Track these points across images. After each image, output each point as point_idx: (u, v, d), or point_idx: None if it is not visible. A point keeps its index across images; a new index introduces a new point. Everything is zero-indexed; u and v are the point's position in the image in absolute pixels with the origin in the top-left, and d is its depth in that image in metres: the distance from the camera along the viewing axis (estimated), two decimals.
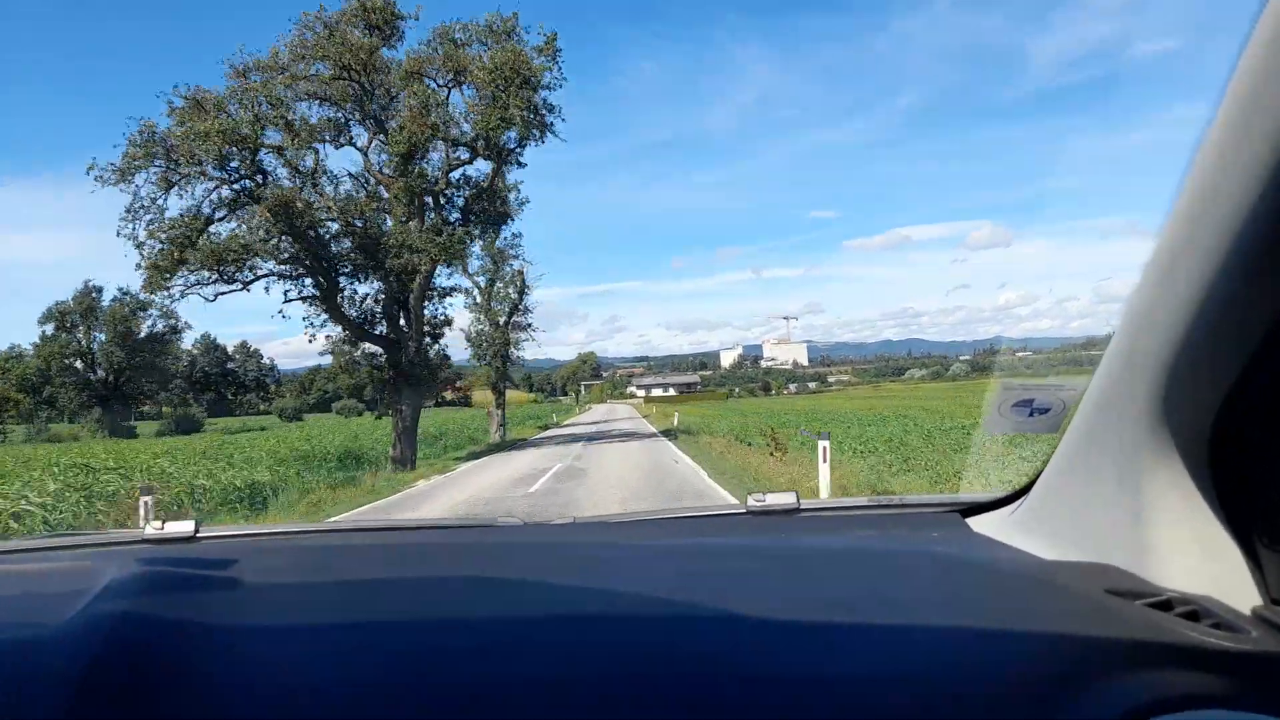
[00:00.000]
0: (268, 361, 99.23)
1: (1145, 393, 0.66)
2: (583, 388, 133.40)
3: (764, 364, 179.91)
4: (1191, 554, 0.69)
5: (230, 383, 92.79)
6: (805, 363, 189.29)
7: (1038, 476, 0.99)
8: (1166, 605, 0.67)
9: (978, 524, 1.15)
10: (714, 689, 0.58)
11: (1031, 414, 1.02)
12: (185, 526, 1.25)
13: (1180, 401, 0.64)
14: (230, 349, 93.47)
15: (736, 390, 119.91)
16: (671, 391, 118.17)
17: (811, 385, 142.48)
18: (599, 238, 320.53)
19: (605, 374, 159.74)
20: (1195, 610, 0.65)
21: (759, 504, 1.28)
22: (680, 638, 0.66)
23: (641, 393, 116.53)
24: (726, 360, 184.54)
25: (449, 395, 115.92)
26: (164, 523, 1.27)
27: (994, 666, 0.60)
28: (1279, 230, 0.48)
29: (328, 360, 21.42)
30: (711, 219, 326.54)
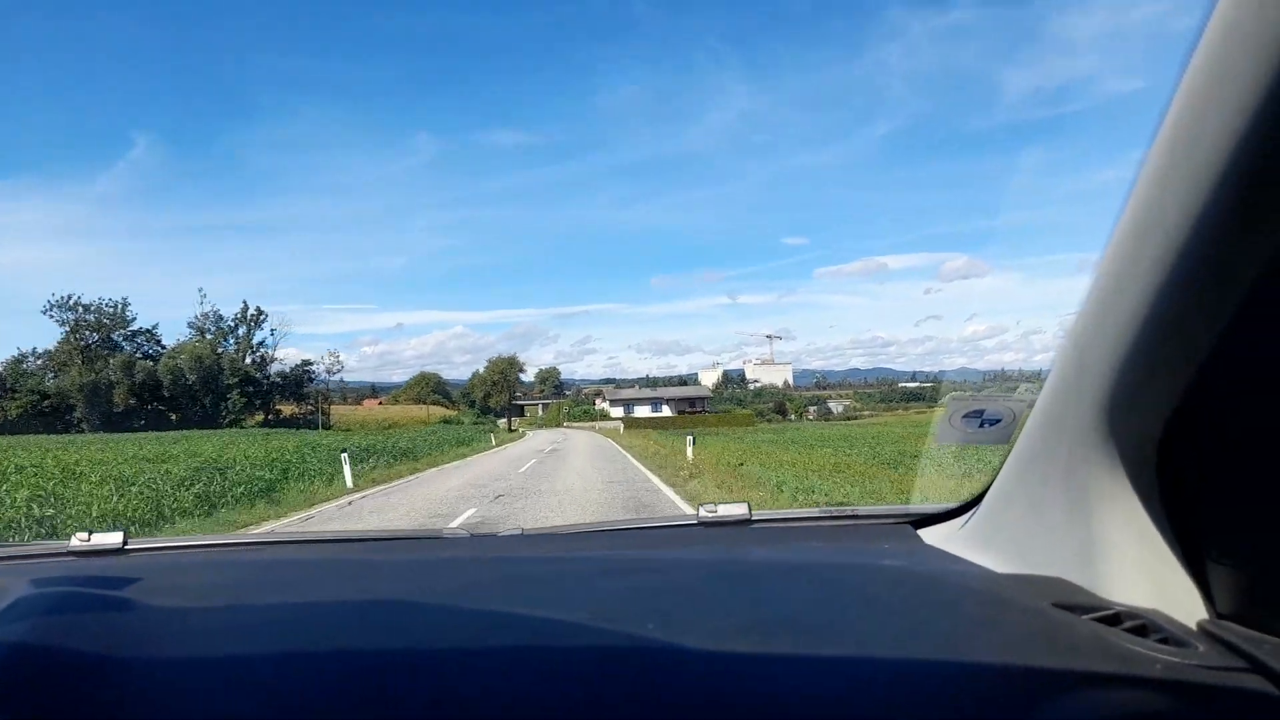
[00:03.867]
0: None
1: (1092, 406, 0.67)
2: (541, 407, 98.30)
3: (751, 385, 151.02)
4: (1139, 567, 0.69)
5: None
6: (792, 384, 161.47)
7: (988, 488, 0.98)
8: (1114, 619, 0.67)
9: (929, 535, 1.14)
10: (653, 715, 0.57)
11: (982, 425, 1.03)
12: (113, 538, 1.22)
13: (1126, 415, 0.65)
14: None
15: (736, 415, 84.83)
16: (665, 410, 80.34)
17: (837, 409, 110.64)
18: (576, 258, 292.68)
19: (569, 392, 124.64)
20: (1143, 624, 0.65)
21: (710, 514, 1.26)
22: (621, 663, 0.65)
23: (618, 412, 78.30)
24: (707, 380, 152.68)
25: (287, 409, 72.49)
26: (90, 534, 1.23)
27: (939, 684, 0.60)
28: (1219, 248, 0.49)
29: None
30: (688, 242, 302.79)
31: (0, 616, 0.71)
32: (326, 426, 63.13)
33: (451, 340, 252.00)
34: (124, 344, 66.73)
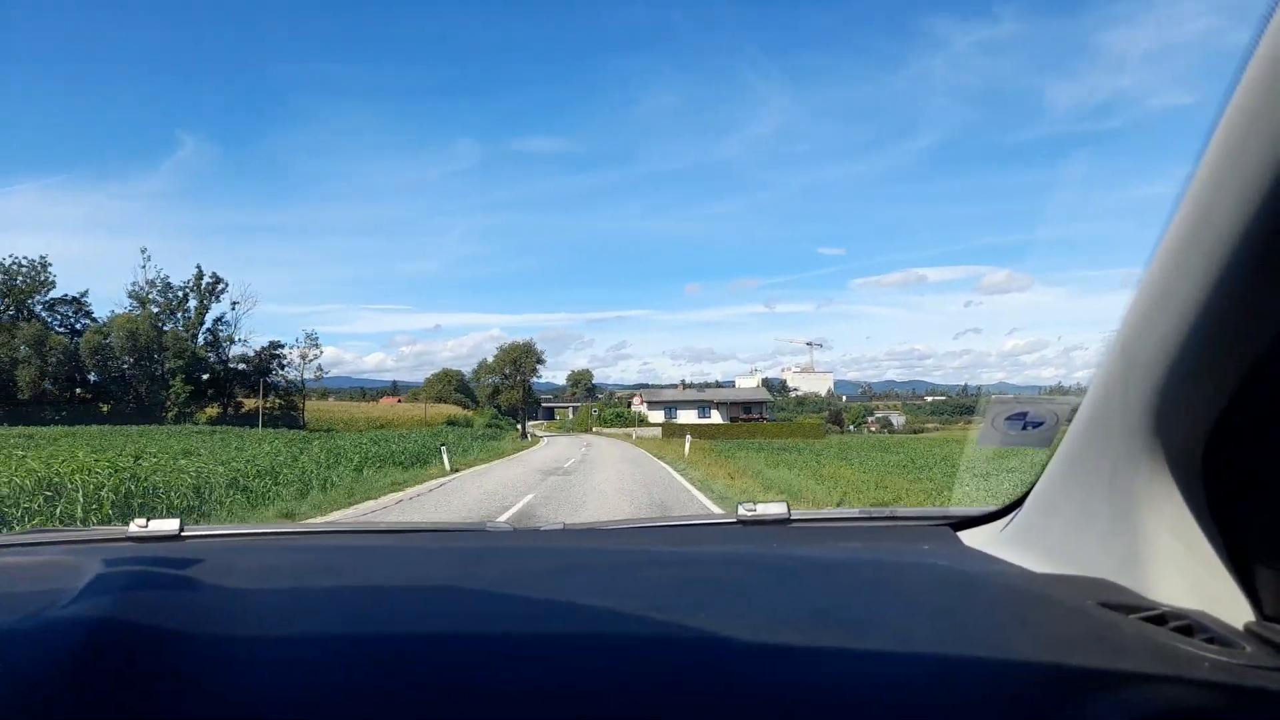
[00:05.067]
0: None
1: (1139, 409, 0.67)
2: (571, 410, 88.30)
3: (792, 394, 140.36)
4: (1185, 569, 0.69)
5: None
6: (834, 393, 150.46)
7: (1030, 490, 0.99)
8: (1160, 619, 0.66)
9: (969, 538, 1.15)
10: (702, 703, 0.57)
11: (1025, 428, 1.03)
12: (169, 525, 1.25)
13: (1174, 418, 0.65)
14: None
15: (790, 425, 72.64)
16: (715, 416, 67.97)
17: (896, 421, 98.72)
18: (611, 264, 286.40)
19: (600, 396, 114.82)
20: (1189, 625, 0.64)
21: (750, 513, 1.27)
22: (669, 651, 0.65)
23: (658, 416, 65.95)
24: (744, 386, 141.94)
25: (251, 403, 57.46)
26: (148, 520, 1.27)
27: (985, 681, 0.60)
28: (1269, 253, 0.49)
29: None
30: (724, 250, 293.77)
31: (84, 592, 0.74)
32: (296, 425, 52.85)
33: (488, 342, 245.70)
34: (45, 314, 52.95)
